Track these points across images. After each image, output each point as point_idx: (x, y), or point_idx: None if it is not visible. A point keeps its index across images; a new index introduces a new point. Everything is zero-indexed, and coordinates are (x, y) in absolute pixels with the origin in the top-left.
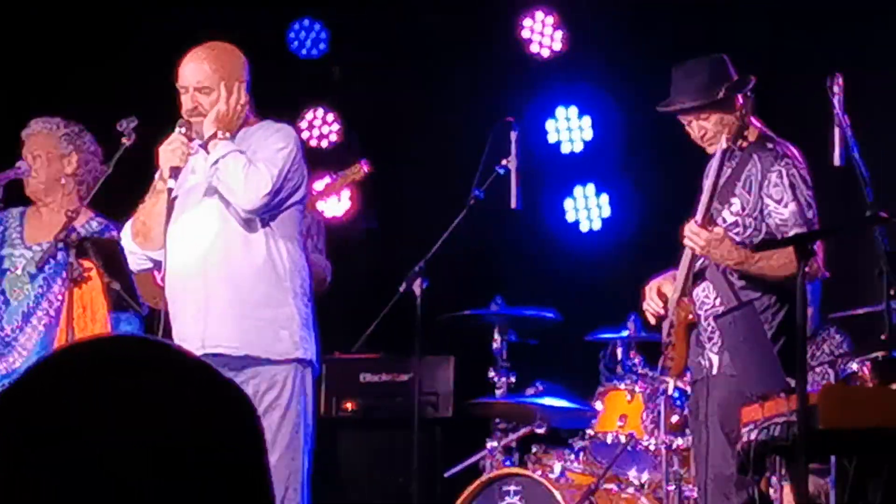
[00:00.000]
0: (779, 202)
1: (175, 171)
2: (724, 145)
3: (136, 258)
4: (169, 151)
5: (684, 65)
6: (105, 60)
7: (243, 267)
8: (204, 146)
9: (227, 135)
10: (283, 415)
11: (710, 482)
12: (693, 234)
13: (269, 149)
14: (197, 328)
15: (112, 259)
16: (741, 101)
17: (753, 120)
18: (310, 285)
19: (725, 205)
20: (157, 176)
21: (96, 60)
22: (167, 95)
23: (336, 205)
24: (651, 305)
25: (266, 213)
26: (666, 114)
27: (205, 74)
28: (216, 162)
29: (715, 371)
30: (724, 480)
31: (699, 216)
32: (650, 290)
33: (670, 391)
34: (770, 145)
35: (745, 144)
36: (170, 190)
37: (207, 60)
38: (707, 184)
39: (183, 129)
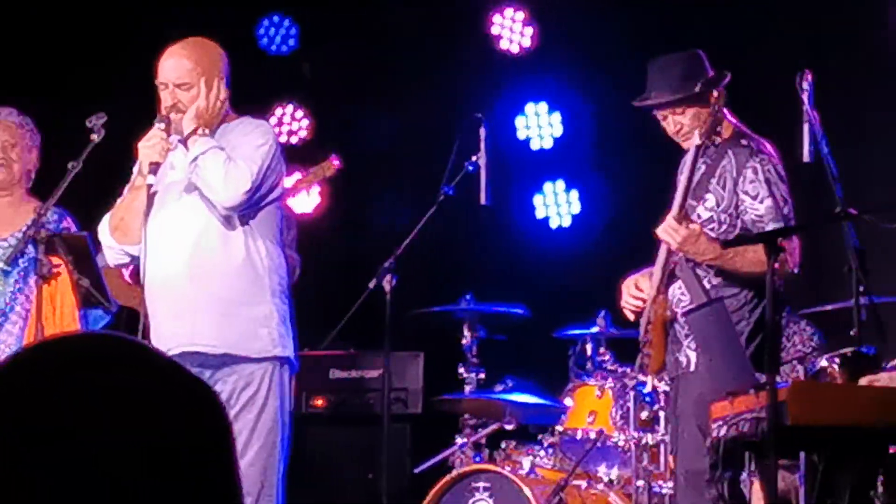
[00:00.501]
0: (754, 198)
1: (154, 167)
2: (699, 141)
3: (113, 253)
4: (148, 147)
5: (660, 60)
6: (71, 57)
7: (222, 264)
8: (183, 142)
9: (207, 131)
10: (259, 412)
11: (683, 478)
12: (670, 230)
13: (249, 146)
14: (175, 326)
15: (81, 255)
16: (716, 96)
17: (728, 116)
18: (288, 283)
19: (700, 201)
20: (135, 171)
21: (62, 56)
22: (132, 91)
23: (306, 200)
24: (629, 301)
25: (245, 211)
26: (641, 108)
27: (185, 70)
28: (196, 159)
29: (693, 368)
30: (697, 476)
31: (675, 211)
32: (627, 286)
33: (649, 388)
34: (745, 141)
35: (719, 141)
36: (149, 186)
37: (187, 56)
38: (682, 179)
39: (162, 125)
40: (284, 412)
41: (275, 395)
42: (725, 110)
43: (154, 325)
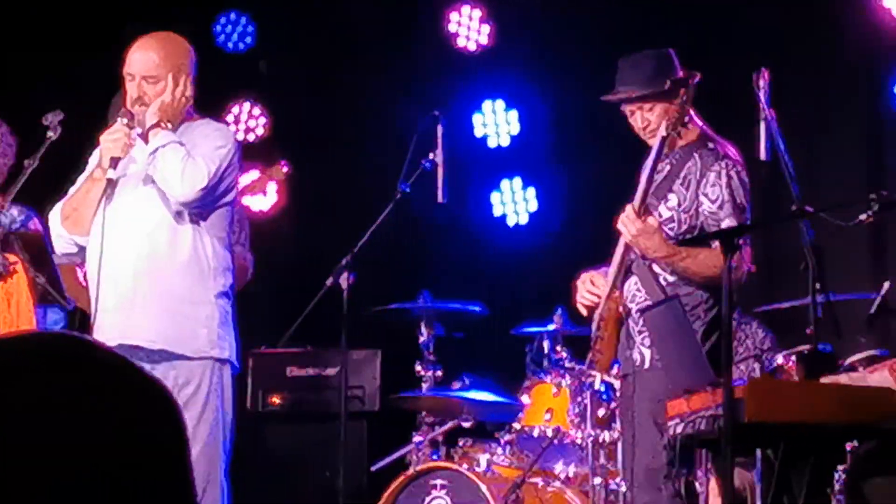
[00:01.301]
0: (713, 201)
1: (115, 162)
2: (664, 132)
3: (62, 241)
4: (111, 142)
5: (631, 56)
6: (27, 53)
7: (169, 261)
8: (143, 135)
9: (169, 125)
10: (201, 410)
11: (640, 475)
12: (627, 221)
13: (209, 145)
14: (116, 318)
15: (38, 253)
16: (684, 90)
17: (695, 118)
18: (233, 284)
19: (662, 200)
20: (93, 161)
21: (17, 52)
22: (89, 87)
23: (263, 199)
24: (584, 297)
25: (198, 209)
26: (609, 103)
27: (153, 64)
28: (154, 151)
29: (647, 365)
30: (654, 473)
31: (635, 204)
32: (583, 282)
33: (597, 385)
34: (711, 145)
35: (686, 143)
36: (109, 180)
37: (157, 50)
38: (645, 172)
39: (125, 120)
40: (226, 412)
41: (216, 394)
42: (693, 113)
43: (98, 315)
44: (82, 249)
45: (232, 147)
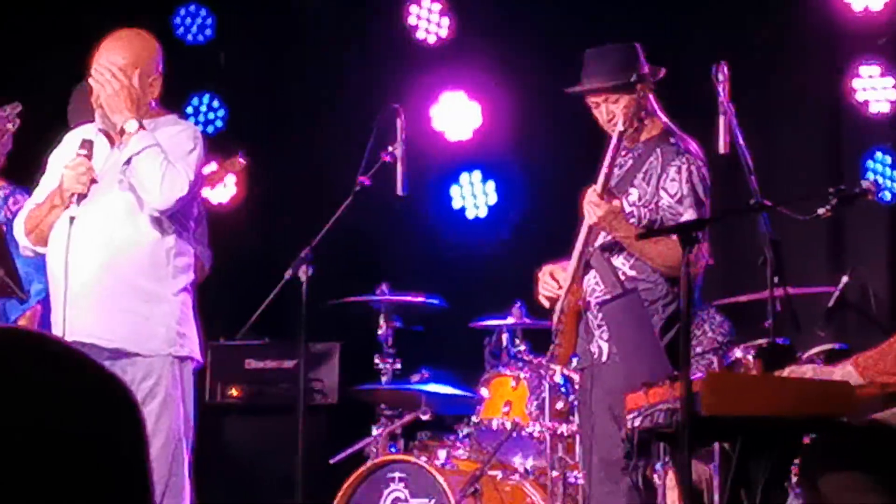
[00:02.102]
0: (673, 196)
1: (79, 199)
2: (622, 127)
3: (26, 249)
4: (73, 178)
5: (598, 49)
6: None
7: (130, 260)
8: (109, 133)
9: (136, 125)
10: (162, 404)
11: (597, 468)
12: (593, 203)
13: (180, 149)
14: (72, 313)
15: None
16: (642, 85)
17: (659, 114)
18: (194, 281)
19: (623, 195)
20: (53, 181)
21: None
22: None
23: (222, 191)
24: (545, 290)
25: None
26: (572, 95)
27: (119, 64)
28: (132, 157)
29: (604, 358)
30: (612, 466)
31: (598, 188)
32: (544, 275)
33: (557, 378)
34: (673, 140)
35: (649, 137)
36: (72, 218)
37: (122, 49)
38: (605, 161)
39: (84, 151)
40: (188, 406)
41: (175, 389)
42: (657, 108)
43: (59, 310)
44: (43, 256)
45: (201, 147)
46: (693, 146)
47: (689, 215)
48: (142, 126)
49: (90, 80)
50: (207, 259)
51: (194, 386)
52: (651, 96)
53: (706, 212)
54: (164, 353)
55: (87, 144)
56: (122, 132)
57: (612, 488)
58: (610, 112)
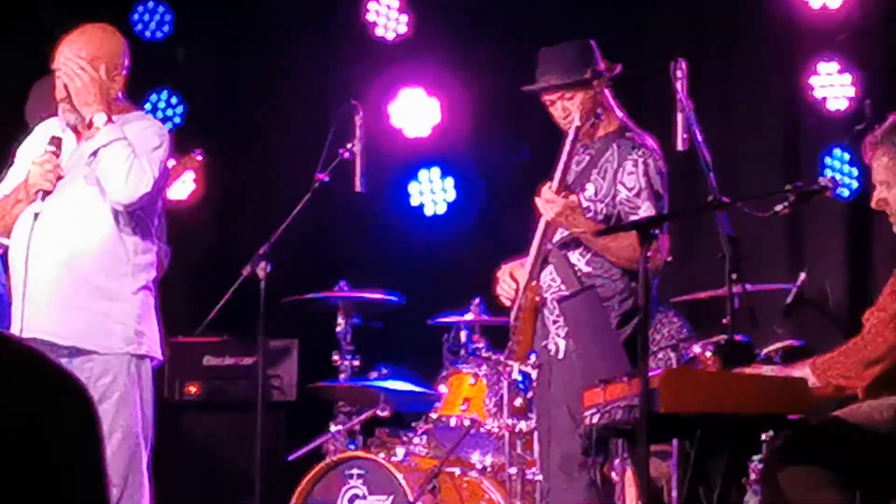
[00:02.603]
0: (630, 190)
1: (44, 195)
2: (578, 123)
3: None
4: (39, 175)
5: (552, 47)
6: None
7: (91, 257)
8: (75, 128)
9: (104, 118)
10: (119, 402)
11: (555, 464)
12: (548, 201)
13: (147, 145)
14: (30, 310)
15: None
16: (598, 81)
17: (616, 110)
18: (155, 278)
19: (580, 190)
20: (20, 175)
21: None
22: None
23: (180, 187)
24: (505, 289)
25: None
26: (531, 93)
27: (85, 55)
28: (98, 149)
29: (561, 355)
30: (569, 462)
31: (554, 185)
32: (503, 273)
33: (515, 375)
34: (629, 135)
35: (605, 133)
36: (36, 213)
37: (88, 42)
38: (562, 157)
39: (52, 148)
40: (146, 404)
41: (133, 387)
42: (614, 104)
43: (18, 306)
44: (4, 245)
45: (167, 146)
46: (650, 141)
47: (646, 208)
48: (110, 119)
49: (57, 74)
50: (166, 255)
51: (154, 386)
52: (607, 93)
53: (664, 205)
54: (121, 351)
55: (56, 141)
56: (90, 124)
57: (570, 485)
58: (565, 109)
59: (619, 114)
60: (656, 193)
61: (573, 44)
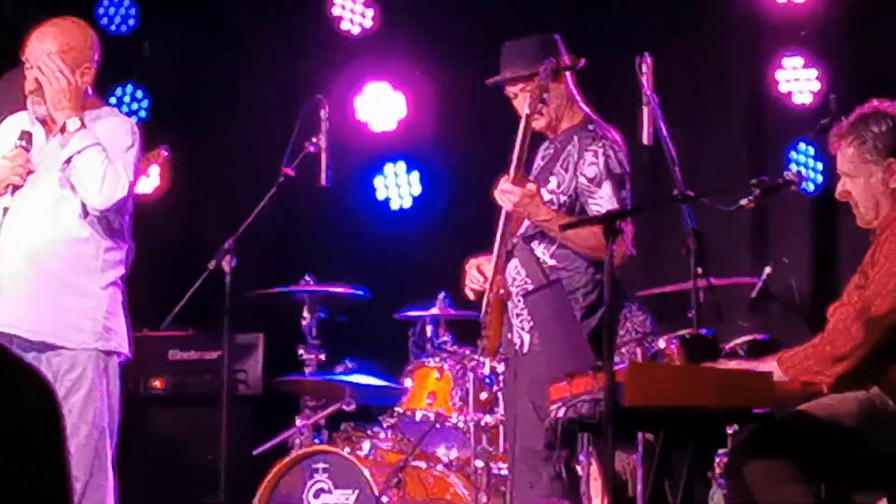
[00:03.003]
0: (591, 180)
1: (13, 190)
2: (527, 110)
3: None
4: (10, 169)
5: (515, 41)
6: None
7: (60, 253)
8: (44, 121)
9: (78, 122)
10: (86, 396)
11: (520, 457)
12: (506, 191)
13: (119, 145)
14: (3, 305)
15: None
16: (567, 78)
17: (580, 103)
18: (124, 275)
19: (544, 183)
20: None
21: None
22: None
23: (145, 181)
24: (472, 282)
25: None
26: (496, 86)
27: (50, 52)
28: (72, 157)
29: (525, 349)
30: (533, 456)
31: (511, 174)
32: (471, 267)
33: (486, 370)
34: (591, 127)
35: (569, 126)
36: (5, 208)
37: (54, 37)
38: (517, 147)
39: (22, 142)
40: (113, 399)
41: (101, 382)
42: (578, 97)
43: None
44: None
45: (138, 143)
46: (612, 133)
47: (605, 192)
48: (83, 124)
49: (27, 66)
50: (131, 252)
51: (121, 382)
52: (572, 86)
53: (626, 191)
54: (90, 346)
55: (26, 136)
56: (63, 128)
57: (534, 478)
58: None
59: (584, 107)
60: (616, 178)
61: (535, 37)
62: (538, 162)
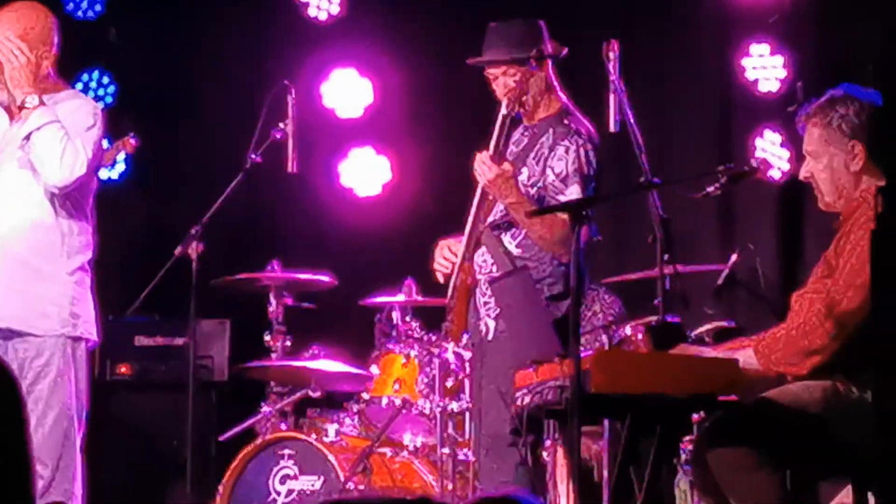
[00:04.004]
0: (558, 175)
1: None
2: (505, 111)
3: None
4: None
5: (502, 23)
6: None
7: (25, 239)
8: (8, 108)
9: (36, 100)
10: (53, 383)
11: (486, 444)
12: (484, 165)
13: (80, 125)
14: None
15: None
16: (550, 67)
17: (560, 93)
18: (91, 259)
19: (517, 173)
20: None
21: None
22: None
23: (111, 168)
24: (442, 263)
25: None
26: (474, 66)
27: (9, 35)
28: (31, 133)
29: (491, 336)
30: (499, 442)
31: (490, 151)
32: (440, 249)
33: (449, 355)
34: (566, 120)
35: (546, 115)
36: None
37: (13, 21)
38: (495, 131)
39: None
40: (81, 386)
41: (68, 368)
42: (557, 86)
43: None
44: None
45: (100, 124)
46: (586, 128)
47: (572, 192)
48: (42, 102)
49: None
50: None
51: (88, 367)
52: (552, 74)
53: (591, 189)
54: (56, 332)
55: None
56: (23, 106)
57: (500, 463)
58: (507, 86)
59: (563, 97)
60: (584, 177)
61: (520, 22)
62: (511, 148)
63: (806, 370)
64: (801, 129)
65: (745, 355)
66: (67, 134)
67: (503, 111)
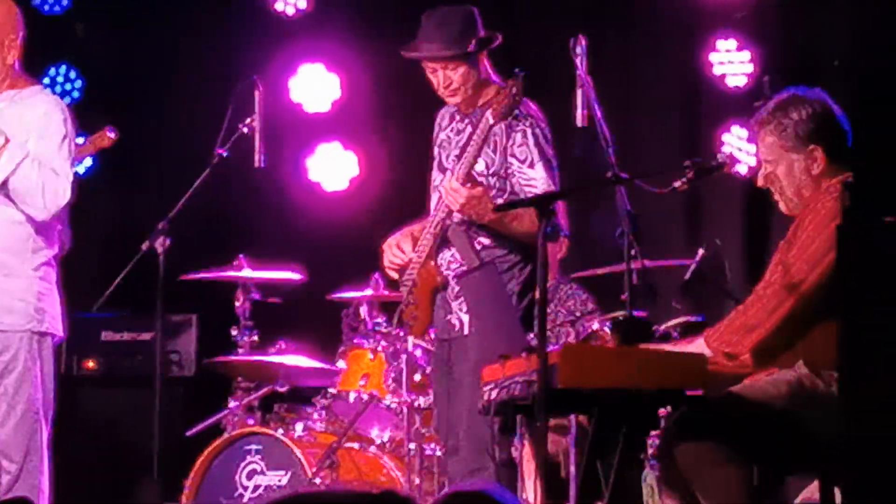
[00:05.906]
0: (523, 161)
1: None
2: (492, 121)
3: None
4: None
5: (436, 13)
6: None
7: None
8: None
9: (2, 139)
10: (18, 379)
11: (464, 442)
12: (453, 191)
13: (51, 143)
14: None
15: None
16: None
17: (493, 75)
18: (57, 255)
19: (468, 167)
20: None
21: None
22: None
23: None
24: (392, 261)
25: None
26: (412, 59)
27: None
28: (8, 178)
29: (466, 331)
30: (481, 441)
31: (460, 173)
32: (389, 246)
33: (409, 347)
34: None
35: (485, 102)
36: None
37: None
38: (470, 145)
39: None
40: (47, 380)
41: (34, 363)
42: (491, 73)
43: None
44: None
45: (71, 128)
46: (532, 107)
47: (540, 176)
48: (7, 139)
49: None
50: (67, 238)
51: (55, 363)
52: (486, 61)
53: (555, 167)
54: (22, 328)
55: None
56: None
57: (481, 464)
58: (447, 78)
59: (496, 79)
60: (547, 160)
61: (456, 11)
62: (448, 134)
63: (746, 348)
64: (753, 135)
65: (697, 346)
66: (41, 164)
67: (489, 121)
